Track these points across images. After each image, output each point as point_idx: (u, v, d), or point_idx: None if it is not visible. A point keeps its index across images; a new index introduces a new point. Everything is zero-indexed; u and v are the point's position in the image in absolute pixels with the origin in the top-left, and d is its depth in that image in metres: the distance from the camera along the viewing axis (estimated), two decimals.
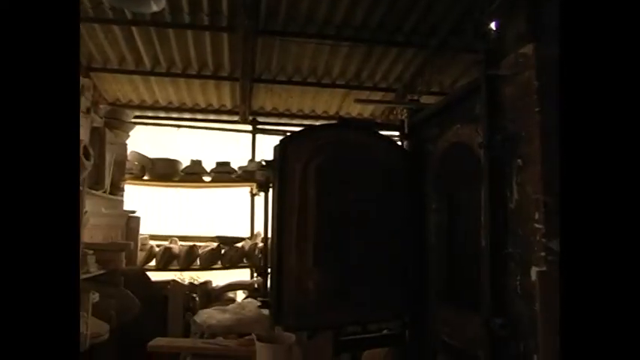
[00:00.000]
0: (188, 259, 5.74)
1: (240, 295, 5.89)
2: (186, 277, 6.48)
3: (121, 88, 6.55)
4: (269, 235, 3.80)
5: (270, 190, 3.78)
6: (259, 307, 3.73)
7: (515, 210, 2.35)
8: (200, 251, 5.90)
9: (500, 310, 2.34)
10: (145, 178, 5.94)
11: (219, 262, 5.88)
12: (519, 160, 2.28)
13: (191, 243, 5.96)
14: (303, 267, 3.31)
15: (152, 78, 5.90)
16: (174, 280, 5.51)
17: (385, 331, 3.78)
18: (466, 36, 4.97)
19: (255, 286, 5.59)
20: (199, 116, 7.28)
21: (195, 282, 5.96)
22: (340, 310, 3.37)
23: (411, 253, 3.73)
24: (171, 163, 6.01)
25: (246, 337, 3.46)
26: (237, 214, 6.69)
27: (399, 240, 3.64)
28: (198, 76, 6.27)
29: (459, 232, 3.61)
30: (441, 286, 3.54)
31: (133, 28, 5.31)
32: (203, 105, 7.13)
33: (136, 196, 6.18)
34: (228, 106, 7.13)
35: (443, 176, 3.62)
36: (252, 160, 6.55)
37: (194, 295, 5.62)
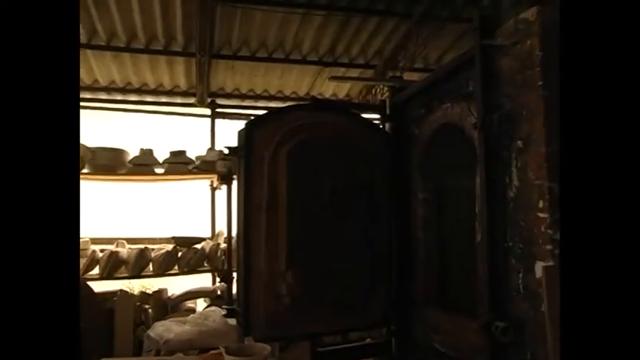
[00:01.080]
0: (138, 264, 5.61)
1: (201, 304, 5.82)
2: (136, 285, 6.34)
3: None
4: (233, 234, 3.76)
5: (234, 182, 3.73)
6: (224, 316, 3.69)
7: (515, 198, 2.35)
8: (153, 255, 5.78)
9: (501, 313, 2.33)
10: (85, 171, 5.74)
11: (176, 267, 5.77)
12: (519, 142, 2.28)
13: (142, 246, 5.82)
14: (274, 269, 3.28)
15: (89, 52, 5.69)
16: (121, 290, 5.37)
17: (369, 340, 3.84)
18: (455, 3, 4.98)
19: (219, 292, 5.53)
20: (149, 98, 7.10)
21: (148, 291, 5.85)
22: (318, 318, 3.37)
23: (395, 250, 3.75)
24: (116, 154, 5.84)
25: (212, 352, 3.40)
26: (196, 211, 6.60)
27: (382, 236, 3.65)
28: (147, 50, 6.09)
29: (449, 226, 3.65)
30: (431, 288, 3.56)
31: None
32: (153, 85, 6.96)
33: None
34: (183, 86, 6.97)
35: (430, 163, 3.63)
36: (212, 148, 6.45)
37: (146, 306, 5.50)
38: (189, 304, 5.77)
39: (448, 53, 6.37)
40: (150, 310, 5.45)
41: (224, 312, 3.66)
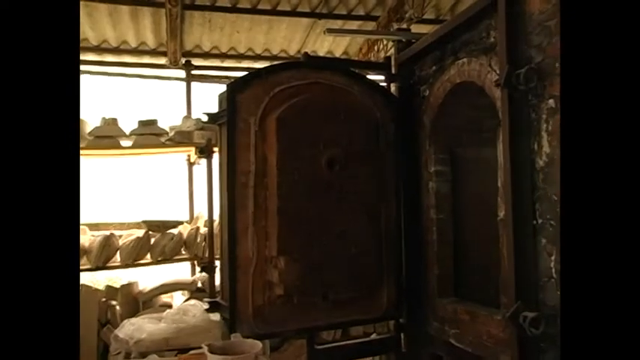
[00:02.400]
0: (103, 254, 5.61)
1: (179, 298, 5.85)
2: (101, 279, 6.35)
3: None
4: (215, 215, 3.75)
5: (215, 155, 3.71)
6: (206, 310, 3.71)
7: (545, 168, 2.33)
8: (120, 242, 5.78)
9: (530, 302, 2.31)
10: None
11: (148, 256, 5.79)
12: (551, 101, 2.25)
13: (107, 232, 5.82)
14: (264, 255, 3.29)
15: None
16: (83, 285, 5.37)
17: (374, 336, 3.95)
18: None
19: (199, 284, 5.56)
20: (110, 58, 7.01)
21: (115, 285, 5.86)
22: (315, 310, 3.39)
23: (403, 231, 3.78)
24: None
25: (192, 352, 3.42)
26: (171, 190, 6.59)
27: (389, 216, 3.68)
28: None
29: (467, 203, 3.69)
30: (446, 275, 3.59)
31: None
32: (114, 43, 6.87)
33: None
34: (151, 44, 6.89)
35: (444, 128, 3.63)
36: (188, 116, 6.41)
37: (113, 302, 5.53)
38: (165, 298, 5.81)
39: (463, 0, 6.32)
40: (117, 307, 5.48)
41: (206, 306, 3.68)
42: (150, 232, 5.79)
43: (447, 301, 3.46)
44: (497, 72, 2.67)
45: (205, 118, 3.55)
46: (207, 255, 4.56)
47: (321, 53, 7.28)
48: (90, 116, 6.05)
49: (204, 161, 3.96)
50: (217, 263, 3.83)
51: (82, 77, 6.92)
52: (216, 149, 3.72)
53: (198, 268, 5.75)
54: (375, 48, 6.82)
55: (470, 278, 3.63)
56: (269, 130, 3.27)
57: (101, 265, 5.60)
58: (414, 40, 3.84)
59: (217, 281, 3.84)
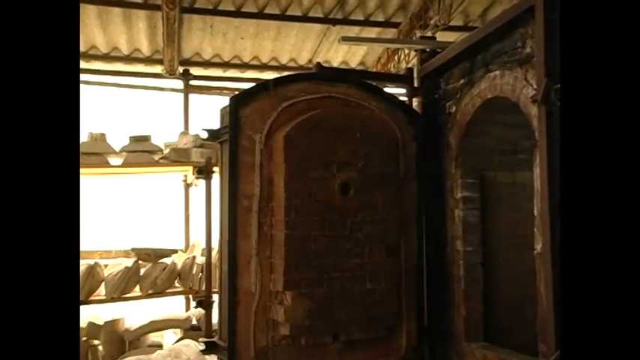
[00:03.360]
0: (86, 286, 5.62)
1: (170, 337, 5.83)
2: (82, 314, 6.33)
3: None
4: (214, 244, 3.75)
5: (216, 176, 3.73)
6: (202, 352, 3.69)
7: None
8: (106, 273, 5.79)
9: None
10: None
11: (137, 289, 5.79)
12: None
13: (91, 261, 5.83)
14: (268, 291, 3.28)
15: None
16: None
17: None
18: None
19: (194, 321, 5.54)
20: (99, 66, 7.10)
21: (98, 322, 5.84)
22: (324, 353, 3.37)
23: (426, 265, 3.77)
24: None
25: None
26: (164, 214, 6.58)
27: (408, 247, 3.67)
28: (96, 0, 6.09)
29: (497, 233, 3.70)
30: (475, 317, 3.58)
31: None
32: (104, 49, 6.95)
33: None
34: (145, 51, 6.98)
35: (472, 149, 3.64)
36: (186, 132, 6.45)
37: (95, 342, 5.52)
38: (155, 337, 5.79)
39: (495, 5, 6.35)
40: (100, 348, 5.47)
41: (201, 347, 3.67)
42: (140, 262, 5.80)
43: (475, 345, 3.44)
44: (534, 86, 2.69)
45: (205, 135, 3.57)
46: (204, 288, 4.55)
47: (335, 64, 7.33)
48: None
49: (202, 182, 3.97)
50: (215, 298, 3.82)
51: None
52: (216, 169, 3.73)
53: (193, 303, 5.72)
54: (396, 58, 6.88)
55: (502, 320, 3.62)
56: (276, 148, 3.29)
57: (83, 299, 5.59)
58: (439, 50, 3.86)
59: (215, 318, 3.83)
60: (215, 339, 3.56)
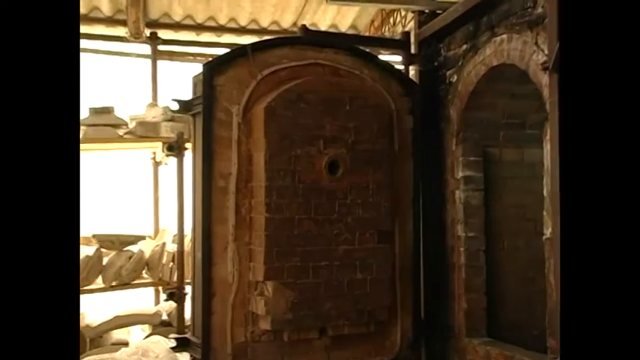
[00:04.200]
0: None
1: (137, 334, 5.83)
2: None
3: None
4: (187, 230, 3.74)
5: (189, 153, 3.71)
6: (173, 350, 3.68)
7: None
8: None
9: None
10: None
11: (99, 280, 5.77)
12: None
13: None
14: (246, 281, 3.28)
15: None
16: None
17: None
18: None
19: (164, 316, 5.53)
20: None
21: None
22: (310, 351, 3.38)
23: (423, 253, 3.77)
24: None
25: None
26: (130, 196, 6.55)
27: (404, 232, 3.67)
28: None
29: (503, 217, 3.70)
30: (476, 309, 3.59)
31: None
32: None
33: None
34: (106, 10, 6.88)
35: (475, 123, 3.63)
36: (154, 103, 6.40)
37: None
38: (119, 334, 5.77)
39: None
40: None
41: (172, 343, 3.66)
42: (102, 250, 5.76)
43: (477, 341, 3.46)
44: (546, 52, 2.67)
45: (176, 107, 3.54)
46: (175, 279, 4.54)
47: (323, 27, 7.27)
48: None
49: (173, 160, 3.95)
50: (188, 290, 3.82)
51: None
52: (188, 145, 3.71)
53: (163, 296, 5.72)
54: (391, 21, 6.84)
55: (507, 313, 3.65)
56: (256, 122, 3.28)
57: None
58: (439, 12, 3.83)
59: (188, 313, 3.82)
60: (188, 335, 3.57)
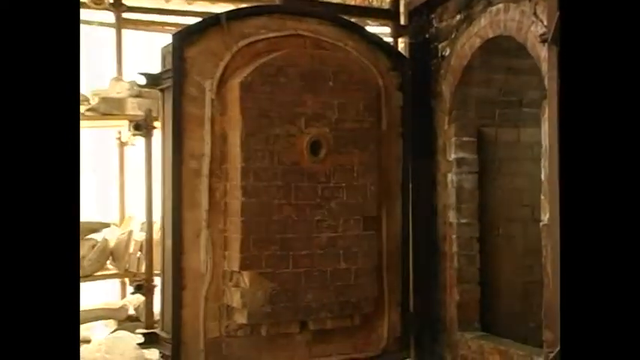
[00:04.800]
0: None
1: (101, 330, 5.79)
2: None
3: None
4: (156, 216, 3.71)
5: (157, 132, 3.67)
6: (140, 346, 3.68)
7: None
8: None
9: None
10: None
11: None
12: None
13: None
14: (221, 271, 3.27)
15: None
16: None
17: None
18: None
19: (131, 310, 5.50)
20: None
21: None
22: (290, 345, 3.38)
23: (412, 241, 3.77)
24: None
25: None
26: (94, 179, 6.54)
27: (391, 218, 3.67)
28: None
29: (498, 202, 3.71)
30: (469, 301, 3.63)
31: None
32: None
33: None
34: None
35: (469, 101, 3.63)
36: (119, 77, 6.31)
37: None
38: (82, 330, 5.74)
39: None
40: None
41: (139, 339, 3.65)
42: None
43: (470, 335, 3.49)
44: (545, 23, 2.67)
45: (143, 81, 3.51)
46: (143, 270, 4.51)
47: None
48: None
49: (141, 141, 3.91)
50: (157, 281, 3.80)
51: None
52: (157, 124, 3.66)
53: (130, 289, 5.69)
54: None
55: (502, 304, 3.68)
56: (231, 98, 3.26)
57: None
58: None
59: (157, 306, 3.80)
60: (156, 330, 3.53)
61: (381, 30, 4.10)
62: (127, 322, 5.39)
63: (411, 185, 3.75)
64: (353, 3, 7.03)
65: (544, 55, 2.66)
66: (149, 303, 3.92)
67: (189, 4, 7.11)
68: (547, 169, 2.76)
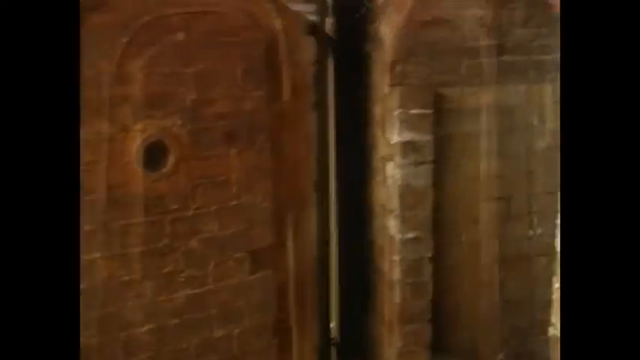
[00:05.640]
0: None
1: None
2: None
3: None
4: None
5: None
6: None
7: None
8: None
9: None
10: None
11: None
12: None
13: None
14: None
15: None
16: None
17: None
18: None
19: None
20: None
21: None
22: None
23: (337, 261, 3.22)
24: None
25: None
26: None
27: (300, 236, 3.03)
28: None
29: (461, 198, 3.16)
30: (413, 350, 3.09)
31: None
32: None
33: None
34: None
35: (422, 47, 2.96)
36: None
37: None
38: None
39: None
40: None
41: None
42: None
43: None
44: None
45: None
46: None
47: None
48: None
49: None
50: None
51: None
52: None
53: None
54: None
55: (461, 335, 3.24)
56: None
57: None
58: None
59: None
60: None
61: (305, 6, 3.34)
62: None
63: (334, 181, 3.04)
64: None
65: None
66: None
67: None
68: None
